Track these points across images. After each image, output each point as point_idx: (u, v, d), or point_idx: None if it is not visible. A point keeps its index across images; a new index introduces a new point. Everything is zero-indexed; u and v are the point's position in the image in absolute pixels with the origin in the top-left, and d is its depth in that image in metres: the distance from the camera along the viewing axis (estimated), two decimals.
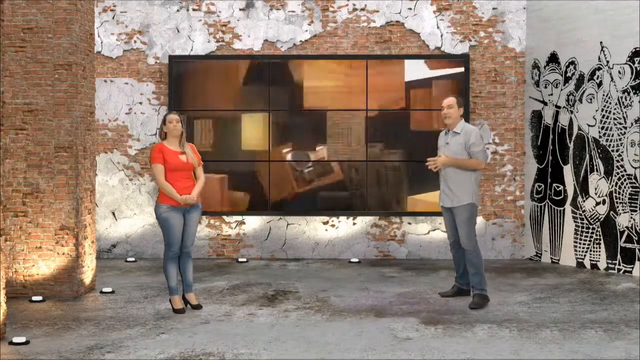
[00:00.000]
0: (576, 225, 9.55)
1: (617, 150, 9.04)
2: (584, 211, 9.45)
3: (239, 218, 10.32)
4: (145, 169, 10.34)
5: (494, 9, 10.29)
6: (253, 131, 10.13)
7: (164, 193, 6.97)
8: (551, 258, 9.91)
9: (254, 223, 10.33)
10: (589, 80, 9.41)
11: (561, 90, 9.77)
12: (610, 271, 9.13)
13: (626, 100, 8.97)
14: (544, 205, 9.99)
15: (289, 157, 10.13)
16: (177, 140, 7.08)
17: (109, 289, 7.98)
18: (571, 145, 9.60)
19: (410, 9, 10.29)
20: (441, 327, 6.51)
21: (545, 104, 9.99)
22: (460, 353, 5.72)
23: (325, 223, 10.34)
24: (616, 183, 9.04)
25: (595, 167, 9.30)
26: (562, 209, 9.74)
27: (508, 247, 10.33)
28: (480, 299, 7.28)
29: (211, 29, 10.33)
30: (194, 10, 10.33)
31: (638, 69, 8.84)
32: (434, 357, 5.63)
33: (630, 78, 8.92)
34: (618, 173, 9.02)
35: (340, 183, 10.18)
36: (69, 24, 7.68)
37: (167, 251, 7.04)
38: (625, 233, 8.95)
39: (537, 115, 10.11)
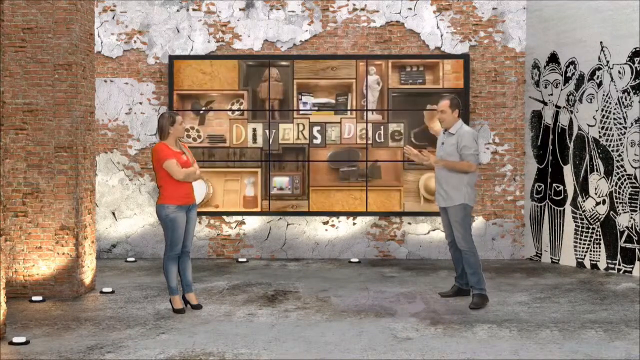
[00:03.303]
0: (576, 225, 9.55)
1: (617, 150, 9.04)
2: (584, 211, 9.45)
3: (239, 218, 10.32)
4: (145, 169, 10.34)
5: (494, 9, 10.29)
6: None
7: (186, 180, 6.95)
8: (551, 258, 9.91)
9: (254, 223, 10.33)
10: (589, 80, 9.41)
11: (561, 90, 9.77)
12: (610, 271, 9.12)
13: (626, 100, 8.96)
14: (544, 205, 9.99)
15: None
16: (175, 141, 7.09)
17: (109, 289, 7.98)
18: (571, 145, 9.60)
19: (410, 9, 10.29)
20: (441, 327, 6.51)
21: (545, 104, 9.99)
22: (460, 353, 5.72)
23: (325, 223, 10.34)
24: (616, 183, 9.04)
25: (595, 167, 9.30)
26: (562, 209, 9.74)
27: (508, 247, 10.33)
28: (480, 298, 7.29)
29: (211, 29, 10.33)
30: (194, 10, 10.33)
31: (638, 69, 8.84)
32: (434, 357, 5.63)
33: (630, 78, 8.91)
34: (618, 173, 9.02)
35: None
36: (69, 24, 7.68)
37: (169, 251, 7.03)
38: (625, 233, 8.95)
39: (537, 115, 10.11)
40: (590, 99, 9.37)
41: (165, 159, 6.92)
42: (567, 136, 9.66)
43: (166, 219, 6.96)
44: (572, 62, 9.62)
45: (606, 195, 9.16)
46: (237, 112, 10.11)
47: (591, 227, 9.36)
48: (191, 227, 7.14)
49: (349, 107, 10.13)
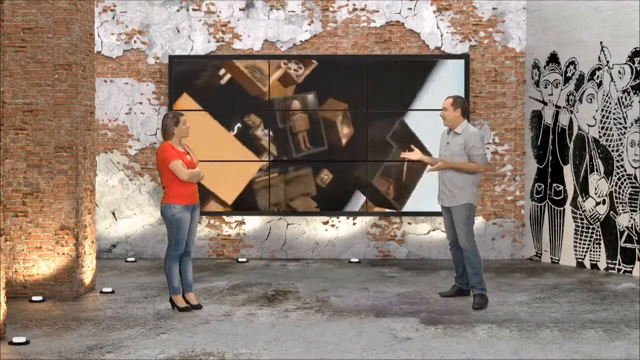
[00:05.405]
0: (576, 225, 9.55)
1: (617, 150, 9.04)
2: (584, 211, 9.45)
3: (239, 218, 10.32)
4: (145, 169, 10.34)
5: (494, 9, 10.29)
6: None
7: (190, 181, 6.97)
8: (551, 258, 9.91)
9: (254, 223, 10.33)
10: (589, 80, 9.41)
11: (561, 90, 9.77)
12: (610, 271, 9.12)
13: (626, 100, 8.97)
14: (544, 205, 9.99)
15: None
16: (179, 141, 7.10)
17: (109, 289, 7.98)
18: (571, 145, 9.60)
19: (410, 9, 10.29)
20: (441, 327, 6.51)
21: (545, 104, 9.99)
22: (460, 353, 5.72)
23: (325, 223, 10.34)
24: (616, 183, 9.04)
25: (595, 167, 9.30)
26: (562, 209, 9.74)
27: (508, 247, 10.33)
28: (482, 298, 7.29)
29: (211, 29, 10.33)
30: (194, 10, 10.33)
31: (638, 69, 8.84)
32: (434, 357, 5.63)
33: (630, 78, 8.92)
34: (618, 173, 9.02)
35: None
36: (69, 24, 7.68)
37: (172, 251, 7.05)
38: (625, 233, 8.95)
39: (537, 115, 10.11)
40: (590, 99, 9.37)
41: (171, 159, 6.94)
42: (567, 136, 9.66)
43: (172, 219, 6.98)
44: (572, 62, 9.62)
45: (606, 195, 9.16)
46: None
47: (591, 227, 9.36)
48: (194, 227, 7.18)
49: None
